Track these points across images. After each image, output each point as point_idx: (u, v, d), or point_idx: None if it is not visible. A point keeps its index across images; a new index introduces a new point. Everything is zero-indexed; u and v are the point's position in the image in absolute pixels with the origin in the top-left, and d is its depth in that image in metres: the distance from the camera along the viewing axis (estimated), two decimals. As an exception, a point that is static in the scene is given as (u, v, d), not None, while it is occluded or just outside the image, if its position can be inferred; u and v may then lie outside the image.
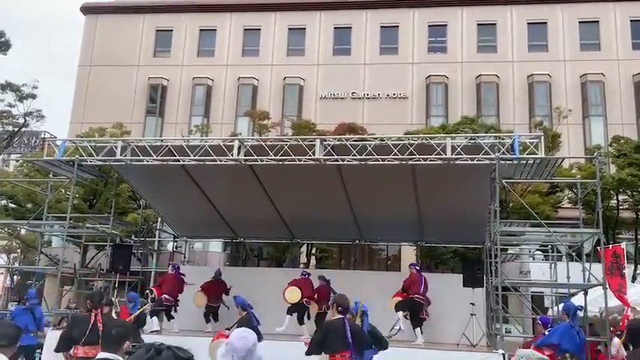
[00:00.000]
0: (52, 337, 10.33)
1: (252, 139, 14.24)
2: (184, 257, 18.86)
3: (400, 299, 12.34)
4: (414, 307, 12.34)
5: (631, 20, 30.52)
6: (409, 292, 12.40)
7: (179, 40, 34.08)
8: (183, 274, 14.02)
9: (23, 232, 23.32)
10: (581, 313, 11.97)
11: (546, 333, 10.21)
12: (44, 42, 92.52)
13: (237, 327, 8.66)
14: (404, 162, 11.32)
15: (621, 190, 21.12)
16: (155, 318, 13.25)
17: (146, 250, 18.36)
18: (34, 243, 23.23)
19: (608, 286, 10.99)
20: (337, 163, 11.83)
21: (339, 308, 6.65)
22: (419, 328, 12.26)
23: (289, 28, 33.52)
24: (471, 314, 12.92)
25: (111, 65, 33.31)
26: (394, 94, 31.31)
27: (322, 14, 33.24)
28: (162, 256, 21.12)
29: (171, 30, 34.38)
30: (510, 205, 20.32)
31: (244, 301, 9.59)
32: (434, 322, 13.01)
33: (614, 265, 11.27)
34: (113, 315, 9.19)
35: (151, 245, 19.19)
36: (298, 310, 12.92)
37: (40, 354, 10.82)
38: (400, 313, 12.18)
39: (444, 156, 10.97)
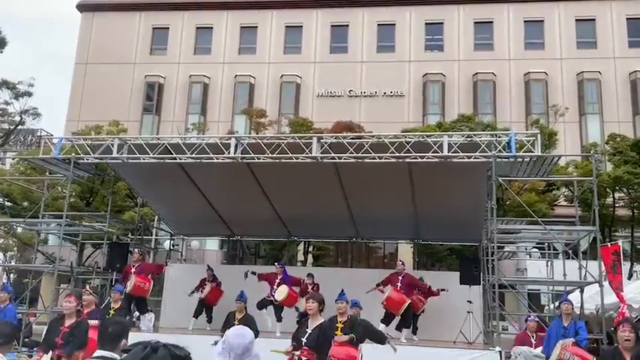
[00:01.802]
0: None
1: (249, 137, 14.21)
2: (181, 255, 18.83)
3: (406, 305, 12.25)
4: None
5: (627, 18, 30.58)
6: (411, 295, 12.42)
7: (176, 38, 34.02)
8: None
9: (20, 230, 23.26)
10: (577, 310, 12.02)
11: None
12: (43, 40, 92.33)
13: (244, 325, 8.68)
14: (401, 160, 11.32)
15: (617, 187, 21.17)
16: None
17: (143, 249, 18.32)
18: (30, 241, 23.20)
19: (609, 284, 11.02)
20: (334, 161, 11.82)
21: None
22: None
23: (286, 26, 33.49)
24: (468, 312, 12.94)
25: (107, 63, 33.23)
26: (391, 92, 31.33)
27: (319, 12, 33.22)
28: (159, 255, 21.09)
29: (168, 28, 34.32)
30: (507, 202, 20.36)
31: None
32: (431, 319, 13.03)
33: (616, 263, 11.29)
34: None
35: (148, 243, 19.16)
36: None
37: None
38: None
39: (441, 154, 10.98)
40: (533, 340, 10.05)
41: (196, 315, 13.77)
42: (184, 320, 13.82)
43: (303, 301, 8.14)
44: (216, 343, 8.53)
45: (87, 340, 6.71)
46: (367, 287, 12.67)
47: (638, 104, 29.37)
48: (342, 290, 7.43)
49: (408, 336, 12.32)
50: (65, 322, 6.82)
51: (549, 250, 15.47)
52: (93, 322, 7.83)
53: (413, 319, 12.66)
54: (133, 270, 13.13)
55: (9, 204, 23.64)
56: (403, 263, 13.16)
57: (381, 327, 12.00)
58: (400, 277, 12.51)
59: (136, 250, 14.11)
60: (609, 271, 11.15)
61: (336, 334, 6.61)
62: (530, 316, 10.66)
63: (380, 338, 7.18)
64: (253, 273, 13.07)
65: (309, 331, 6.51)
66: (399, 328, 12.28)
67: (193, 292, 13.98)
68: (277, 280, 12.89)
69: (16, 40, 50.68)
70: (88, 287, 8.70)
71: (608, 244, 12.36)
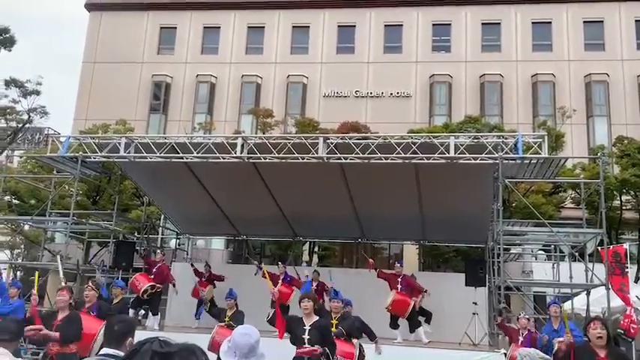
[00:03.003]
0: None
1: (256, 137, 14.25)
2: (187, 254, 18.88)
3: (411, 307, 12.28)
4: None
5: (636, 20, 30.41)
6: (414, 295, 12.44)
7: (183, 38, 34.08)
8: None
9: (26, 228, 23.38)
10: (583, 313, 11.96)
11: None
12: (51, 39, 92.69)
13: (233, 321, 8.75)
14: (407, 161, 11.32)
15: (624, 190, 21.08)
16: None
17: (149, 247, 18.39)
18: (37, 239, 23.29)
19: (610, 286, 10.99)
20: (340, 161, 11.83)
21: None
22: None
23: (293, 26, 33.49)
24: (473, 313, 12.92)
25: (115, 62, 33.33)
26: (398, 93, 31.28)
27: (326, 12, 33.21)
28: (165, 253, 21.17)
29: (175, 27, 34.39)
30: (513, 204, 20.28)
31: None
32: (436, 320, 13.02)
33: (613, 264, 11.27)
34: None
35: (154, 242, 19.23)
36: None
37: None
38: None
39: (447, 155, 10.98)
40: (520, 337, 9.97)
41: (197, 315, 13.90)
42: (190, 319, 13.88)
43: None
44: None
45: (81, 332, 6.79)
46: (372, 287, 12.69)
47: (646, 107, 29.23)
48: (334, 290, 7.77)
49: (419, 336, 12.25)
50: (58, 316, 6.87)
51: (555, 252, 15.44)
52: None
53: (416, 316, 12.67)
54: (155, 270, 13.34)
55: (16, 202, 23.72)
56: (401, 265, 13.15)
57: (395, 332, 12.05)
58: (399, 279, 12.49)
59: (158, 250, 14.34)
60: (609, 274, 11.14)
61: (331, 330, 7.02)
62: (521, 314, 10.62)
63: (368, 332, 8.39)
64: (260, 268, 13.11)
65: (307, 328, 6.56)
66: (411, 330, 12.30)
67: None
68: (279, 281, 12.99)
69: (26, 38, 50.68)
70: (90, 282, 8.71)
71: (609, 246, 12.33)
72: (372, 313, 11.25)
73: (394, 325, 12.17)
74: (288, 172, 12.75)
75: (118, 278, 14.79)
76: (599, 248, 11.59)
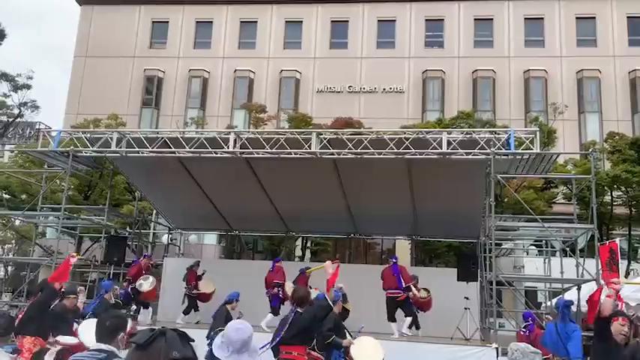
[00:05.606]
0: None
1: (248, 132, 14.21)
2: (179, 249, 18.86)
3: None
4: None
5: (628, 17, 30.54)
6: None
7: (175, 32, 33.93)
8: None
9: (18, 223, 23.25)
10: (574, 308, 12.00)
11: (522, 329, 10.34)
12: (44, 33, 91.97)
13: (221, 320, 8.66)
14: (400, 156, 11.34)
15: (615, 186, 21.19)
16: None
17: (141, 242, 18.34)
18: (28, 234, 23.19)
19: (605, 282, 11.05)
20: (333, 156, 11.83)
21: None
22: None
23: (286, 21, 33.42)
24: (465, 308, 12.96)
25: (106, 56, 33.15)
26: (391, 89, 31.28)
27: (319, 7, 33.14)
28: (157, 248, 21.12)
29: (168, 22, 34.22)
30: (505, 200, 20.36)
31: None
32: (428, 315, 13.05)
33: (611, 261, 11.34)
34: (79, 304, 9.04)
35: (146, 237, 19.18)
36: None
37: None
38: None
39: (440, 150, 11.00)
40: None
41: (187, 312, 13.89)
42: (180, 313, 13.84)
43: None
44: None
45: None
46: (364, 282, 12.64)
47: (637, 103, 29.36)
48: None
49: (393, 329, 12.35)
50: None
51: (547, 247, 15.50)
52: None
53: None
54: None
55: (7, 196, 23.59)
56: (396, 259, 13.04)
57: (393, 325, 12.06)
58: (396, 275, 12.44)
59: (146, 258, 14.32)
60: (605, 269, 11.19)
61: None
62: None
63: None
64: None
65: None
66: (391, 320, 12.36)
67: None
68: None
69: (15, 31, 50.25)
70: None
71: (606, 242, 12.40)
72: (365, 308, 11.29)
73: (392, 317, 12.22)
74: (280, 167, 12.74)
75: (110, 276, 14.82)
76: (596, 244, 11.62)
